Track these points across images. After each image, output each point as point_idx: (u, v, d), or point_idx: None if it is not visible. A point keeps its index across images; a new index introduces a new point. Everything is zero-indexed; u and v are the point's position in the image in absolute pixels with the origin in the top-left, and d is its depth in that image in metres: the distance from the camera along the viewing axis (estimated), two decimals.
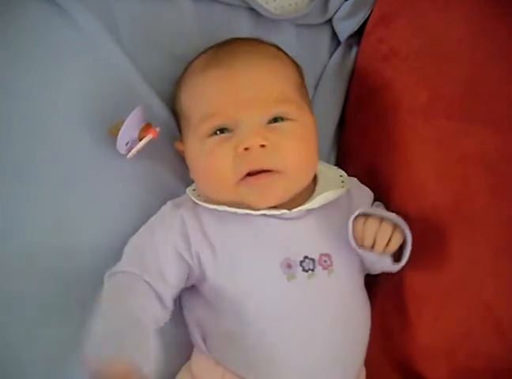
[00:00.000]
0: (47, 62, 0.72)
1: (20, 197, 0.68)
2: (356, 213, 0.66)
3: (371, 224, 0.65)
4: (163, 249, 0.65)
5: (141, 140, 0.68)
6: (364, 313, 0.71)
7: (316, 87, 0.83)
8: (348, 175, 0.75)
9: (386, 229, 0.66)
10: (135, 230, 0.68)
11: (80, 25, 0.71)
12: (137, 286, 0.63)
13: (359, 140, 0.83)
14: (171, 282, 0.65)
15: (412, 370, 0.76)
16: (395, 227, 0.66)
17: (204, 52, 0.72)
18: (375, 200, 0.77)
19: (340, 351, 0.67)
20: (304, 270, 0.65)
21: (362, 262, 0.70)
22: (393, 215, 0.67)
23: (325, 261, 0.67)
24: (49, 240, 0.69)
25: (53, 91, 0.71)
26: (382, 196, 0.78)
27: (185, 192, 0.72)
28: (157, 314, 0.63)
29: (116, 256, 0.66)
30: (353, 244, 0.66)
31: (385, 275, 0.73)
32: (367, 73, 0.83)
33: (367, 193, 0.77)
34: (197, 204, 0.68)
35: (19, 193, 0.68)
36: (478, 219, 0.70)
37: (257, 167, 0.65)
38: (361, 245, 0.66)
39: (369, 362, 0.75)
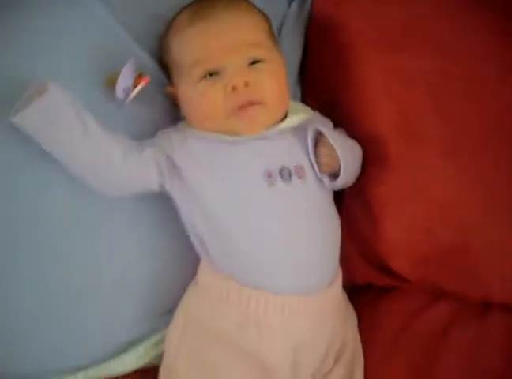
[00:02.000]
0: (45, 29, 0.83)
1: None
2: (313, 128, 0.81)
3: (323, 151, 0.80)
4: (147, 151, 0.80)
5: (135, 87, 0.81)
6: (335, 217, 0.85)
7: (279, 32, 0.95)
8: (312, 108, 0.89)
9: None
10: None
11: None
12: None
13: (320, 77, 0.96)
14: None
15: (381, 262, 0.91)
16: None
17: (185, 8, 0.84)
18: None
19: (319, 251, 0.81)
20: (282, 178, 0.79)
21: None
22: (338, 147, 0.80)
23: (299, 171, 0.81)
24: None
25: (53, 54, 0.82)
26: (341, 125, 0.91)
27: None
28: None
29: None
30: (313, 158, 0.81)
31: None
32: (323, 17, 0.95)
33: (328, 123, 0.90)
34: (186, 134, 0.82)
35: None
36: (423, 131, 0.85)
37: (244, 101, 0.78)
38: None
39: (344, 260, 0.88)
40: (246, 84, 0.78)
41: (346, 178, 0.82)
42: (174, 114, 0.88)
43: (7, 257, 0.80)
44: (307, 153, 0.82)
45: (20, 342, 0.81)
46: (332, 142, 0.80)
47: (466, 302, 0.88)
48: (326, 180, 0.82)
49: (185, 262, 0.86)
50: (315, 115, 0.89)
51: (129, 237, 0.85)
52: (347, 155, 0.82)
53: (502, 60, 0.82)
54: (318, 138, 0.82)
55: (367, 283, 0.96)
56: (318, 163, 0.81)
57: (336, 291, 0.85)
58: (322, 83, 0.95)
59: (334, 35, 0.92)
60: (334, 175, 0.82)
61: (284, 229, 0.79)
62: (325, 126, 0.87)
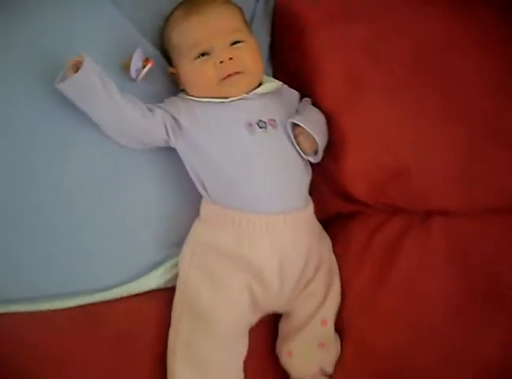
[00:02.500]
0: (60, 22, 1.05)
1: None
2: (291, 121, 1.05)
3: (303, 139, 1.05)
4: (157, 112, 1.04)
5: (144, 68, 1.07)
6: (301, 157, 1.08)
7: (251, 23, 1.20)
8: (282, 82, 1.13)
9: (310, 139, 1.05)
10: None
11: None
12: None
13: (284, 55, 1.19)
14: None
15: (345, 193, 1.14)
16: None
17: (179, 6, 1.09)
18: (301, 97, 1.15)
19: (291, 180, 1.05)
20: (260, 127, 1.03)
21: None
22: (312, 129, 1.04)
23: (272, 123, 1.05)
24: None
25: (66, 45, 1.03)
26: (303, 90, 1.15)
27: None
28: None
29: None
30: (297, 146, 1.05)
31: None
32: (284, 8, 1.19)
33: (295, 93, 1.15)
34: (187, 100, 1.06)
35: None
36: (366, 79, 1.07)
37: (229, 71, 1.03)
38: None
39: (317, 196, 1.12)
40: (231, 59, 1.03)
41: (322, 149, 1.07)
42: (174, 89, 1.12)
43: (43, 197, 1.01)
44: (279, 111, 1.07)
45: (55, 265, 1.02)
46: (311, 132, 1.04)
47: (414, 214, 1.10)
48: (311, 157, 1.07)
49: (191, 204, 1.09)
50: (284, 86, 1.13)
51: (148, 183, 1.08)
52: (321, 133, 1.07)
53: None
54: (294, 127, 1.06)
55: (337, 212, 1.19)
56: (301, 148, 1.05)
57: (308, 215, 1.09)
58: (287, 60, 1.19)
59: (293, 21, 1.16)
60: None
61: (262, 164, 1.03)
62: (293, 96, 1.13)
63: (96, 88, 0.97)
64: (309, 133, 1.04)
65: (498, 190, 1.02)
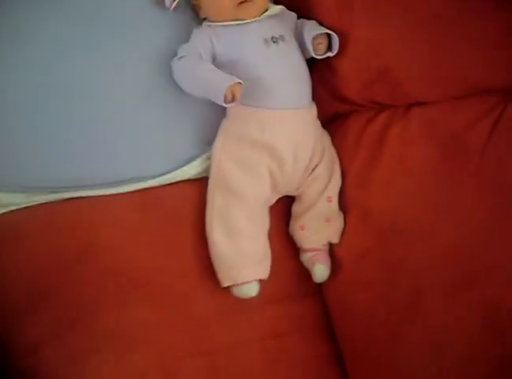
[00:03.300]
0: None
1: None
2: (315, 33, 1.30)
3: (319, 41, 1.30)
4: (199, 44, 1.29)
5: None
6: (305, 64, 1.34)
7: None
8: None
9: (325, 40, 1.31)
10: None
11: None
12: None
13: None
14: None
15: (340, 95, 1.39)
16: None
17: None
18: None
19: (299, 81, 1.31)
20: (273, 42, 1.29)
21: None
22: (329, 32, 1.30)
23: (281, 38, 1.31)
24: None
25: None
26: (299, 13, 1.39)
27: (199, 24, 1.34)
28: None
29: None
30: (310, 48, 1.31)
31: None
32: None
33: (293, 15, 1.38)
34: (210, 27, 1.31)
35: None
36: (356, 3, 1.32)
37: None
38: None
39: (318, 100, 1.36)
40: None
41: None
42: (196, 18, 1.36)
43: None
44: (285, 29, 1.32)
45: (115, 156, 1.28)
46: (324, 30, 1.29)
47: (397, 107, 1.35)
48: (325, 54, 1.31)
49: (218, 107, 1.31)
50: (284, 9, 1.37)
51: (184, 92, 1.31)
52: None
53: None
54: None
55: (334, 113, 1.44)
56: (315, 49, 1.29)
57: (313, 112, 1.35)
58: None
59: None
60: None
61: (278, 70, 1.29)
62: (292, 17, 1.37)
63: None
64: (322, 35, 1.30)
65: (460, 80, 1.27)
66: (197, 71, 1.26)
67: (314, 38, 1.31)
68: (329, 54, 1.33)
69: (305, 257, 1.37)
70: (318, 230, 1.34)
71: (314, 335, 1.39)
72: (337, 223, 1.36)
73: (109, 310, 1.23)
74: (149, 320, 1.25)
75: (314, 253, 1.35)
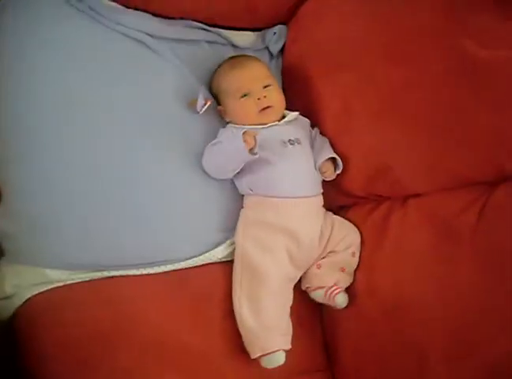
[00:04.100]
0: (144, 78, 1.52)
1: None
2: (322, 159, 1.50)
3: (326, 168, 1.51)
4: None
5: (205, 104, 1.53)
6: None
7: None
8: None
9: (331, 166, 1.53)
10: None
11: (161, 55, 1.53)
12: None
13: (294, 98, 1.62)
14: None
15: (344, 189, 1.58)
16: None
17: (223, 62, 1.56)
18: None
19: (312, 176, 1.51)
20: (290, 144, 1.49)
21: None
22: (335, 156, 1.51)
23: (298, 141, 1.51)
24: None
25: (153, 93, 1.52)
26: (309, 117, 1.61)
27: (224, 127, 1.55)
28: None
29: None
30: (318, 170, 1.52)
31: None
32: (288, 64, 1.67)
33: (307, 121, 1.60)
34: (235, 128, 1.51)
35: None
36: (357, 111, 1.57)
37: (264, 106, 1.48)
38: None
39: (324, 193, 1.58)
40: (265, 97, 1.49)
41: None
42: (221, 121, 1.58)
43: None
44: (300, 132, 1.54)
45: (148, 241, 1.42)
46: (331, 154, 1.51)
47: (395, 199, 1.53)
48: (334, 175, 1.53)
49: (237, 200, 1.53)
50: (299, 116, 1.58)
51: (211, 189, 1.52)
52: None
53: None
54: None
55: (339, 205, 1.63)
56: (323, 176, 1.51)
57: (321, 200, 1.54)
58: (295, 100, 1.62)
59: (298, 73, 1.64)
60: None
61: (293, 167, 1.48)
62: (306, 123, 1.59)
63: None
64: (328, 160, 1.52)
65: (451, 175, 1.44)
66: (222, 145, 1.45)
67: (321, 165, 1.52)
68: (337, 172, 1.54)
69: (318, 294, 1.52)
70: (331, 273, 1.50)
71: None
72: (349, 275, 1.53)
73: None
74: None
75: (326, 288, 1.49)
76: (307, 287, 1.53)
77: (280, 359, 1.40)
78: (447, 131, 1.42)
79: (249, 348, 1.41)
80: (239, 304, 1.43)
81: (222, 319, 1.45)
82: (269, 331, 1.41)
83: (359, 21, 1.55)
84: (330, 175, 1.53)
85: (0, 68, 1.42)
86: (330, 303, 1.50)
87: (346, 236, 1.54)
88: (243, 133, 1.37)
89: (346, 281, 1.52)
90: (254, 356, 1.41)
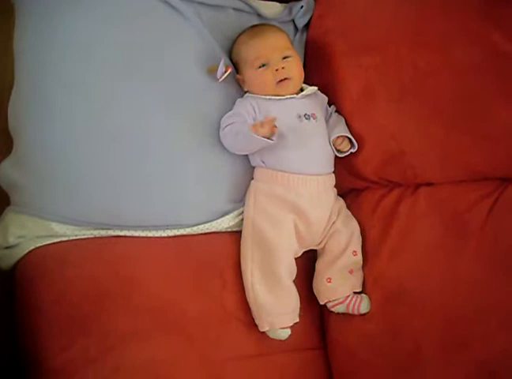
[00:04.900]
0: (167, 40, 1.49)
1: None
2: (336, 135, 1.50)
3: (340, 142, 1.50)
4: (243, 111, 1.47)
5: (225, 72, 1.51)
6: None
7: None
8: None
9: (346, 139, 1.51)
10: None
11: (185, 17, 1.49)
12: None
13: (315, 74, 1.62)
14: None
15: (356, 171, 1.57)
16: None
17: (245, 30, 1.53)
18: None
19: (325, 153, 1.51)
20: (306, 118, 1.48)
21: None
22: (349, 136, 1.50)
23: (314, 116, 1.50)
24: None
25: (175, 56, 1.49)
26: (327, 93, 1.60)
27: (242, 96, 1.53)
28: None
29: None
30: (332, 144, 1.51)
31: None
32: (313, 39, 1.65)
33: (325, 98, 1.58)
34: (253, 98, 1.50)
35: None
36: (377, 95, 1.54)
37: (282, 77, 1.46)
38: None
39: (337, 175, 1.56)
40: (283, 68, 1.47)
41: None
42: (240, 90, 1.56)
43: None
44: (317, 108, 1.52)
45: (158, 204, 1.43)
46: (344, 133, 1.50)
47: (407, 187, 1.53)
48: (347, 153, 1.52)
49: (247, 172, 1.53)
50: (318, 91, 1.56)
51: (223, 158, 1.51)
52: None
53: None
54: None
55: (350, 188, 1.62)
56: (338, 150, 1.50)
57: (332, 179, 1.53)
58: (316, 77, 1.61)
59: (321, 51, 1.61)
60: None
61: (307, 142, 1.47)
62: (324, 99, 1.57)
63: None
64: (346, 138, 1.51)
65: (465, 167, 1.45)
66: (242, 128, 1.43)
67: (335, 141, 1.51)
68: (352, 151, 1.53)
69: (341, 309, 1.50)
70: (344, 280, 1.49)
71: None
72: (359, 274, 1.52)
73: (140, 343, 1.32)
74: (174, 356, 1.35)
75: (349, 300, 1.49)
76: (326, 302, 1.53)
77: (285, 335, 1.43)
78: (466, 122, 1.42)
79: (258, 321, 1.43)
80: (252, 278, 1.43)
81: (222, 287, 1.46)
82: (281, 306, 1.43)
83: (388, 3, 1.53)
84: (343, 149, 1.51)
85: (21, 14, 1.41)
86: (356, 313, 1.49)
87: (345, 235, 1.53)
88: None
89: (359, 279, 1.52)
90: (262, 329, 1.42)
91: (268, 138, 1.37)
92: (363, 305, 1.47)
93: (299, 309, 1.45)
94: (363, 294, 1.49)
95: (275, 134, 1.38)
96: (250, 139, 1.39)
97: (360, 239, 1.53)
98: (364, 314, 1.48)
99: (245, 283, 1.44)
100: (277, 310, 1.41)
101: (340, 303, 1.49)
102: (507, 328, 1.30)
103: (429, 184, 1.52)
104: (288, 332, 1.42)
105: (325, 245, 1.52)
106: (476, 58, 1.38)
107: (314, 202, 1.47)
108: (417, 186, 1.53)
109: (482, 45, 1.37)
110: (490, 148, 1.41)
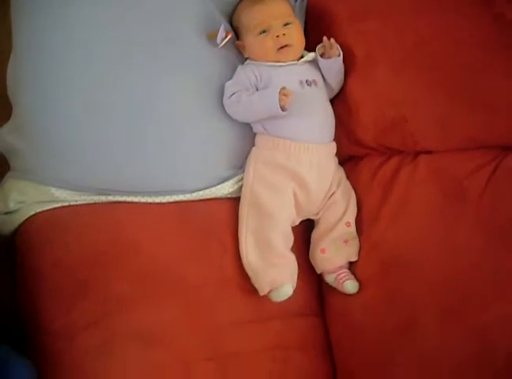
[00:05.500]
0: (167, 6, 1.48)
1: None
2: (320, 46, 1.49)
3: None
4: (245, 79, 1.47)
5: (226, 37, 1.50)
6: (330, 106, 1.53)
7: None
8: None
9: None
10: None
11: None
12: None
13: (317, 41, 1.56)
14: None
15: (356, 139, 1.56)
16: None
17: None
18: None
19: (326, 119, 1.50)
20: (307, 84, 1.48)
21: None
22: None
23: (315, 82, 1.49)
24: None
25: (175, 22, 1.48)
26: None
27: (242, 63, 1.52)
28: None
29: None
30: (319, 57, 1.48)
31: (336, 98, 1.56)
32: (313, 6, 1.63)
33: None
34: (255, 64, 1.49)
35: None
36: (377, 55, 1.53)
37: (283, 43, 1.45)
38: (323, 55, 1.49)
39: (336, 141, 1.56)
40: (284, 35, 1.46)
41: (340, 69, 1.51)
42: (240, 56, 1.55)
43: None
44: (318, 74, 1.51)
45: (159, 169, 1.43)
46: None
47: (406, 154, 1.52)
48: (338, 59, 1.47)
49: (248, 138, 1.52)
50: (318, 57, 1.54)
51: (223, 124, 1.50)
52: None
53: None
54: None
55: (350, 154, 1.62)
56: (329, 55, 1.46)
57: (333, 148, 1.53)
58: (315, 42, 1.56)
59: (322, 16, 1.59)
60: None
61: (308, 109, 1.47)
62: None
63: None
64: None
65: (464, 136, 1.45)
66: (251, 99, 1.43)
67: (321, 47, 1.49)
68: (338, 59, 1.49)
69: (331, 278, 1.51)
70: (338, 250, 1.50)
71: (316, 352, 1.52)
72: (354, 243, 1.52)
73: (139, 307, 1.34)
74: (172, 321, 1.36)
75: (338, 273, 1.49)
76: (321, 272, 1.54)
77: (288, 291, 1.42)
78: (466, 89, 1.42)
79: (257, 285, 1.43)
80: (246, 244, 1.44)
81: (222, 253, 1.46)
82: (278, 266, 1.43)
83: None
84: (332, 55, 1.48)
85: None
86: (341, 290, 1.50)
87: (342, 206, 1.53)
88: (281, 90, 1.37)
89: (355, 248, 1.52)
90: (263, 293, 1.43)
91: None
92: (347, 284, 1.47)
93: (296, 275, 1.46)
94: (351, 279, 1.49)
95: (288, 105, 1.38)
96: (264, 108, 1.40)
97: (356, 210, 1.54)
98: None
99: (240, 249, 1.44)
100: (274, 272, 1.42)
101: (332, 272, 1.50)
102: (503, 297, 1.31)
103: (429, 152, 1.52)
104: (291, 289, 1.42)
105: (321, 215, 1.52)
106: (480, 23, 1.38)
107: (315, 170, 1.46)
108: (417, 154, 1.53)
109: (487, 11, 1.37)
110: (490, 116, 1.41)
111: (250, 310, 1.45)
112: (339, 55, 1.48)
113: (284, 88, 1.37)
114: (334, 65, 1.49)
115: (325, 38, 1.48)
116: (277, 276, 1.41)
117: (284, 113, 1.38)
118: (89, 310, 1.31)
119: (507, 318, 1.28)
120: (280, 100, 1.37)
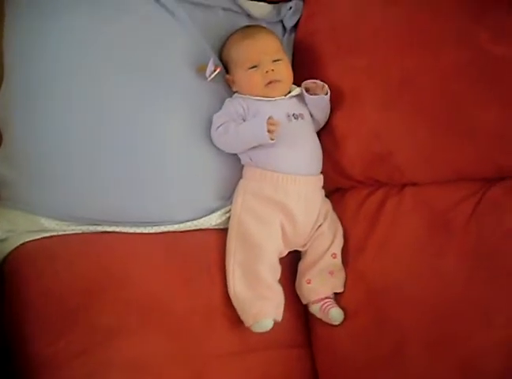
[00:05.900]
0: (157, 39, 1.51)
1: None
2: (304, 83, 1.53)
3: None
4: (233, 111, 1.49)
5: (214, 71, 1.52)
6: (317, 140, 1.56)
7: None
8: None
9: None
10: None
11: (175, 16, 1.52)
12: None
13: (305, 75, 1.59)
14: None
15: (343, 171, 1.58)
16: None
17: (236, 31, 1.55)
18: None
19: (313, 153, 1.52)
20: (294, 118, 1.50)
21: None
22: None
23: (301, 116, 1.52)
24: None
25: (164, 55, 1.51)
26: None
27: (230, 96, 1.55)
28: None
29: None
30: (305, 93, 1.51)
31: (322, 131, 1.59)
32: (300, 41, 1.67)
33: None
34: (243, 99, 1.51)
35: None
36: (365, 97, 1.57)
37: (272, 79, 1.48)
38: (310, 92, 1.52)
39: (323, 174, 1.59)
40: (273, 70, 1.49)
41: (326, 105, 1.54)
42: (229, 90, 1.58)
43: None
44: (304, 108, 1.54)
45: (146, 200, 1.44)
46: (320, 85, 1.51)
47: (392, 186, 1.54)
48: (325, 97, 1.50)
49: (236, 170, 1.54)
50: (304, 92, 1.57)
51: (211, 155, 1.52)
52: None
53: None
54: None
55: (336, 187, 1.64)
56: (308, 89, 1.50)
57: (320, 180, 1.54)
58: (302, 75, 1.60)
59: (309, 52, 1.63)
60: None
61: (295, 142, 1.49)
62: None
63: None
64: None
65: (450, 168, 1.47)
66: (238, 128, 1.45)
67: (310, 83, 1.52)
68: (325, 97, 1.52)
69: (315, 308, 1.52)
70: (323, 281, 1.51)
71: None
72: (340, 275, 1.53)
73: (126, 338, 1.34)
74: (159, 352, 1.36)
75: (323, 302, 1.50)
76: (307, 303, 1.55)
77: (268, 325, 1.42)
78: (451, 123, 1.45)
79: (242, 317, 1.44)
80: (233, 276, 1.45)
81: (210, 284, 1.47)
82: (265, 299, 1.44)
83: (376, 5, 1.56)
84: (319, 92, 1.51)
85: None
86: (326, 320, 1.51)
87: (328, 238, 1.55)
88: (268, 120, 1.40)
89: (341, 280, 1.54)
90: (247, 324, 1.43)
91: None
92: (333, 312, 1.48)
93: (282, 308, 1.47)
94: (335, 306, 1.51)
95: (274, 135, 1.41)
96: (252, 136, 1.43)
97: (342, 242, 1.55)
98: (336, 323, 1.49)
99: (227, 280, 1.45)
100: (260, 305, 1.42)
101: (316, 302, 1.51)
102: (489, 324, 1.32)
103: (415, 184, 1.54)
104: (271, 323, 1.42)
105: (308, 247, 1.54)
106: (463, 59, 1.41)
107: (302, 202, 1.48)
108: (403, 186, 1.56)
109: (470, 47, 1.40)
110: (473, 148, 1.44)
111: (237, 342, 1.45)
112: (326, 94, 1.51)
113: (271, 118, 1.39)
114: (320, 102, 1.53)
115: (317, 81, 1.52)
116: (262, 309, 1.42)
117: (272, 141, 1.40)
118: (77, 340, 1.30)
119: (493, 345, 1.30)
120: (267, 130, 1.38)
